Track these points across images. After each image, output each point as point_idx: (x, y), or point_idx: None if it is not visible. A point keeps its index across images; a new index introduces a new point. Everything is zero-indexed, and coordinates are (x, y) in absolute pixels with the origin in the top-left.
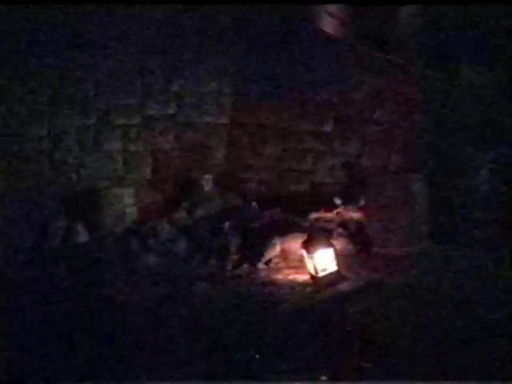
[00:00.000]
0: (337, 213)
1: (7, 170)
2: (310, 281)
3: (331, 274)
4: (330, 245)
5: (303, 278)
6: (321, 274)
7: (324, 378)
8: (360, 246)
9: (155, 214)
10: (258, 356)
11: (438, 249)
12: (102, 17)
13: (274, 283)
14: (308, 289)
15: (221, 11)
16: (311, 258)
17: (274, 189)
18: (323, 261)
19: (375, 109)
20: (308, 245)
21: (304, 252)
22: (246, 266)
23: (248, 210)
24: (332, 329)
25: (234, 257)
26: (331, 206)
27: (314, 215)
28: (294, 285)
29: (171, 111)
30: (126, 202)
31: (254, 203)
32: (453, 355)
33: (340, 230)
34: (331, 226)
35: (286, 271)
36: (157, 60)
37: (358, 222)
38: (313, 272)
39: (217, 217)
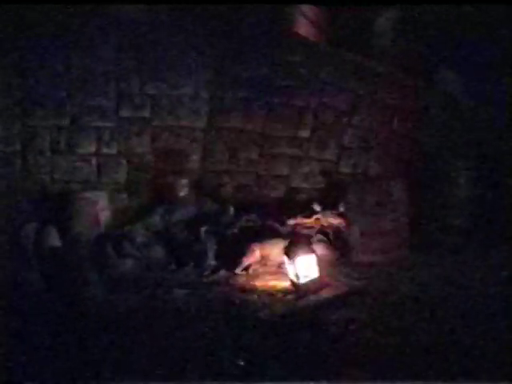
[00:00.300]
0: (316, 219)
1: None
2: (291, 287)
3: (313, 280)
4: (312, 251)
5: (283, 284)
6: (302, 281)
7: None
8: (340, 252)
9: (130, 218)
10: (241, 362)
11: (419, 256)
12: (77, 17)
13: (253, 290)
14: (289, 296)
15: (198, 13)
16: (292, 264)
17: (251, 194)
18: (305, 267)
19: (354, 114)
20: (289, 251)
21: (285, 258)
22: (223, 271)
23: (225, 216)
24: (314, 336)
25: (212, 263)
26: (310, 212)
27: (292, 221)
28: (274, 291)
29: (146, 114)
30: (100, 206)
31: (231, 208)
32: (433, 362)
33: (320, 236)
34: (310, 232)
35: (266, 278)
36: (132, 62)
37: (338, 229)
38: (294, 279)
39: (193, 222)
